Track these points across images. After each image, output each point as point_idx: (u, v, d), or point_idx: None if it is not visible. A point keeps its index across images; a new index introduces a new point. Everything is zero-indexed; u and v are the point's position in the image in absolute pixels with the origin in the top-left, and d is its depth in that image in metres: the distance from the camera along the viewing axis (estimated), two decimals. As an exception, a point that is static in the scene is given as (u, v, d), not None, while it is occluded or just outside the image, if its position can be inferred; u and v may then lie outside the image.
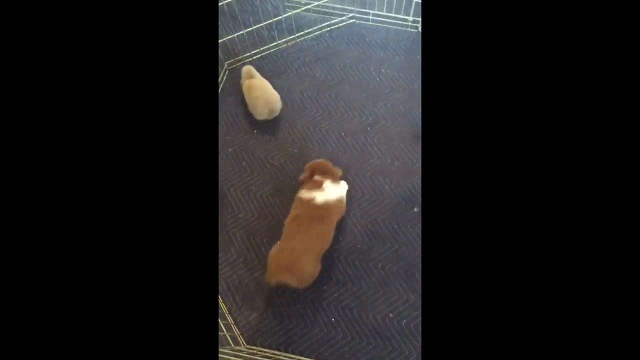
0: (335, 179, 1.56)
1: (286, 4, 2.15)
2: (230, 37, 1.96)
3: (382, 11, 2.08)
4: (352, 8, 2.10)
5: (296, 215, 1.47)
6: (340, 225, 1.65)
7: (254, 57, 2.04)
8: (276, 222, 1.68)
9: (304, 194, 1.50)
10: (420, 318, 1.50)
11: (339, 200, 1.54)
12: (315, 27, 2.10)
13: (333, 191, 1.51)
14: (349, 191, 1.67)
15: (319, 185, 1.51)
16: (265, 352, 1.45)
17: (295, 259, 1.38)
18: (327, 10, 2.12)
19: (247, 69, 1.89)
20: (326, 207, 1.48)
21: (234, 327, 1.50)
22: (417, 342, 1.47)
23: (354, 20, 2.12)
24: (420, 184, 1.74)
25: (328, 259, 1.60)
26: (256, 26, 2.00)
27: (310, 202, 1.47)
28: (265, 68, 2.00)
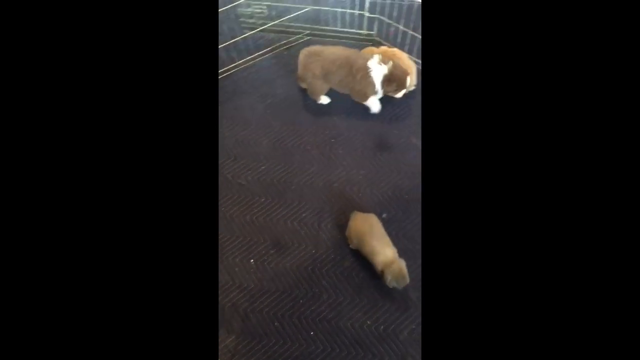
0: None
1: (242, 25, 2.20)
2: (188, 61, 1.98)
3: (337, 27, 2.15)
4: (307, 25, 2.17)
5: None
6: (313, 238, 1.68)
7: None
8: (254, 242, 1.68)
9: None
10: (396, 322, 1.52)
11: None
12: (274, 46, 2.15)
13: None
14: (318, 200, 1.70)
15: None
16: (246, 374, 1.43)
17: None
18: (283, 29, 2.17)
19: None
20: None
21: (212, 352, 1.48)
22: (396, 346, 1.48)
23: (310, 37, 2.18)
24: (385, 191, 1.79)
25: (302, 272, 1.61)
26: (214, 49, 2.03)
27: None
28: (227, 89, 2.02)
